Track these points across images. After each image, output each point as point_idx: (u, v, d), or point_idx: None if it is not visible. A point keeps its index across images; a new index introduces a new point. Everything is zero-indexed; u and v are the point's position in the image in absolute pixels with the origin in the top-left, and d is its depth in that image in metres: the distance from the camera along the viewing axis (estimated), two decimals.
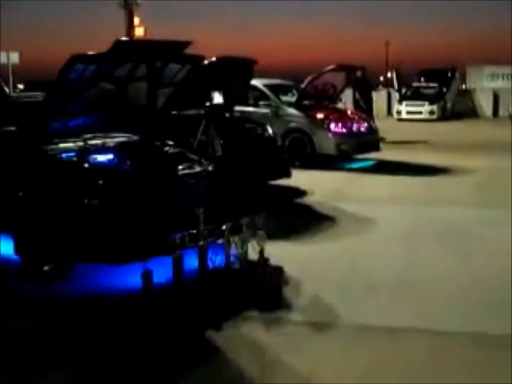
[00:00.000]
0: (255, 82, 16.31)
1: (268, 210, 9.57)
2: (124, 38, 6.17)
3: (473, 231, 8.68)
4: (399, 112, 31.44)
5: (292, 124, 15.31)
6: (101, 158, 7.04)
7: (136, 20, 23.98)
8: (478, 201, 10.85)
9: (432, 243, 8.07)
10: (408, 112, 31.33)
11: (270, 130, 12.11)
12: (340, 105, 35.38)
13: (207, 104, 9.31)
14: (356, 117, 16.45)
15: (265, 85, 16.24)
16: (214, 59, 10.97)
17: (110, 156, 7.11)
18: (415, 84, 34.78)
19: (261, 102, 15.91)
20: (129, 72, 7.12)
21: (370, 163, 15.73)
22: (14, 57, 27.28)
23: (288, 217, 9.47)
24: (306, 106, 15.81)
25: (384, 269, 6.90)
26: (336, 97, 17.12)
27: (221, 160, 7.97)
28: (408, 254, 7.51)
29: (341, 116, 15.84)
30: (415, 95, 32.52)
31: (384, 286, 6.36)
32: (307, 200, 10.90)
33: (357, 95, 20.43)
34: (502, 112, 33.36)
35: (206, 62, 10.90)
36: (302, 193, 11.47)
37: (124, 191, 6.25)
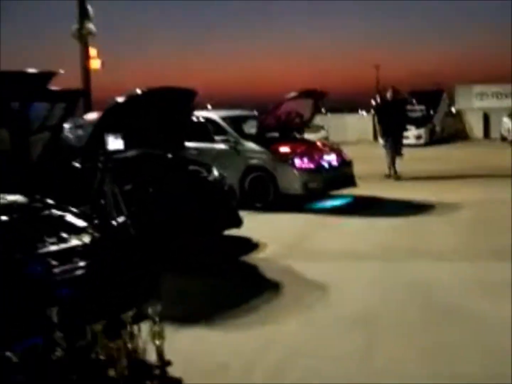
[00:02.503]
0: (210, 114, 14.63)
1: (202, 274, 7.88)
2: None
3: (461, 305, 6.48)
4: None
5: (252, 161, 13.46)
6: None
7: (93, 52, 22.19)
8: (471, 251, 8.84)
9: (400, 329, 5.97)
10: None
11: (216, 172, 10.25)
12: (322, 134, 33.84)
13: (100, 151, 7.41)
14: (327, 149, 14.58)
15: (222, 118, 14.42)
16: (138, 92, 9.15)
17: None
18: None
19: (217, 137, 14.10)
20: None
21: (344, 201, 13.83)
22: None
23: (222, 284, 7.62)
24: (268, 139, 13.96)
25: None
26: (302, 127, 15.23)
27: (114, 225, 6.05)
28: (364, 356, 5.36)
29: (308, 149, 13.94)
30: None
31: None
32: (256, 256, 8.99)
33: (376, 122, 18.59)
34: (493, 133, 31.64)
35: (129, 96, 9.18)
36: (253, 246, 9.57)
37: None
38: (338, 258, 8.71)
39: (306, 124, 15.41)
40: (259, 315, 6.37)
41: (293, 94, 13.73)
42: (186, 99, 10.11)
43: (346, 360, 5.22)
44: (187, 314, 6.43)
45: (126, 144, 9.86)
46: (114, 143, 7.13)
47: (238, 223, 9.84)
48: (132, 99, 9.18)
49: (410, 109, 32.29)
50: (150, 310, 5.05)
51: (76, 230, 5.54)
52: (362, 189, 14.19)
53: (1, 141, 5.70)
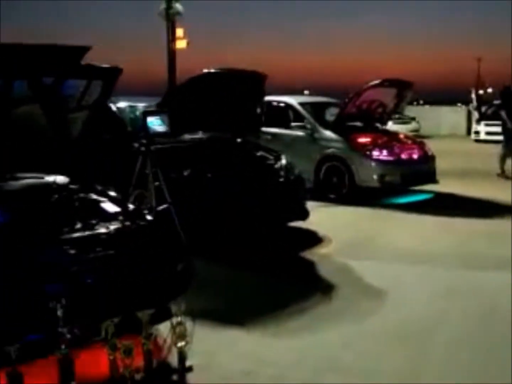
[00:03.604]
0: (288, 99, 14.09)
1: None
2: None
3: None
4: (477, 133, 28.42)
5: (328, 150, 12.87)
6: None
7: (180, 32, 21.92)
8: None
9: (457, 350, 5.25)
10: (487, 133, 28.14)
11: (284, 160, 9.70)
12: (413, 126, 32.77)
13: (142, 134, 6.97)
14: (409, 142, 13.85)
15: (301, 103, 13.89)
16: (204, 73, 8.73)
17: None
18: (496, 102, 31.45)
19: (294, 124, 13.58)
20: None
21: (422, 197, 13.04)
22: None
23: (273, 281, 7.09)
24: (348, 128, 13.32)
25: None
26: (385, 117, 14.46)
27: (146, 214, 5.59)
28: (411, 378, 4.69)
29: (389, 140, 13.23)
30: (496, 115, 29.22)
31: None
32: (317, 252, 8.41)
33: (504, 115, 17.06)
34: None
35: (194, 77, 8.82)
36: (316, 240, 9.01)
37: None
38: (405, 260, 8.00)
39: (389, 115, 14.65)
40: (304, 321, 5.80)
41: (374, 82, 13.03)
42: (256, 82, 9.61)
43: (389, 382, 4.63)
44: (228, 313, 5.97)
45: (192, 127, 9.53)
46: (158, 125, 6.68)
47: (303, 215, 9.31)
48: (198, 80, 8.80)
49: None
50: (173, 309, 4.63)
51: (106, 216, 5.16)
52: (446, 186, 13.39)
53: (36, 117, 5.33)
